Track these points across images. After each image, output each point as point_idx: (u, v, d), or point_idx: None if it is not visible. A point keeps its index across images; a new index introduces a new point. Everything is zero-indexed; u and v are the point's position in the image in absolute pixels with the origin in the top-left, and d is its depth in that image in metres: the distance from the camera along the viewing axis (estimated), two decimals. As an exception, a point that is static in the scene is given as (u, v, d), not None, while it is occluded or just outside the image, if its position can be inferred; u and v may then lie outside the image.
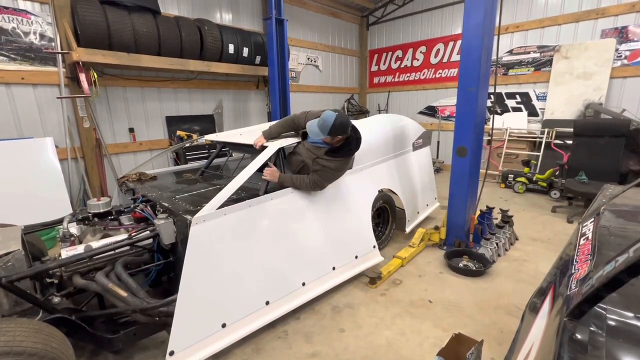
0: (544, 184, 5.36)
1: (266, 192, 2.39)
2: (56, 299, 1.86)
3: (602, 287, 0.81)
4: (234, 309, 2.07)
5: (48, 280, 1.91)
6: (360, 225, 2.95)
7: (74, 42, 3.78)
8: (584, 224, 1.53)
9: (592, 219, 1.53)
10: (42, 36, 3.95)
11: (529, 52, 6.17)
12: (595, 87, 5.39)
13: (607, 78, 5.28)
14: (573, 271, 1.14)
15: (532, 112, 6.30)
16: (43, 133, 4.04)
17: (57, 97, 3.99)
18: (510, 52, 6.37)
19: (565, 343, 0.80)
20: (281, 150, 2.70)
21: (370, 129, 3.36)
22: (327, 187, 2.67)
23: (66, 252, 2.01)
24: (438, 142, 7.58)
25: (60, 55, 3.97)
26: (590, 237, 1.34)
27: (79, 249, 2.05)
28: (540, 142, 5.83)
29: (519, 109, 6.46)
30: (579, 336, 0.82)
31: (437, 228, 3.55)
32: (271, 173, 2.44)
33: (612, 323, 0.88)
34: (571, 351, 0.78)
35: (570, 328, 0.85)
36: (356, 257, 2.85)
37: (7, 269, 1.70)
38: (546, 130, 5.78)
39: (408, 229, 3.62)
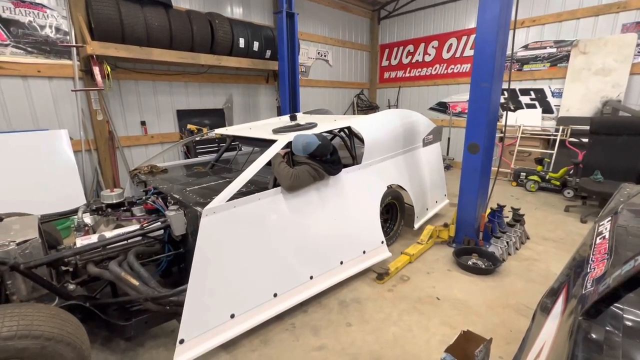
0: (557, 183, 5.24)
1: (275, 186, 2.39)
2: (71, 286, 1.91)
3: (620, 287, 0.79)
4: (242, 300, 2.10)
5: (63, 268, 1.97)
6: (368, 220, 2.94)
7: (88, 36, 3.84)
8: (601, 223, 1.50)
9: (609, 218, 1.49)
10: (57, 30, 4.02)
11: (545, 47, 5.99)
12: (613, 83, 5.22)
13: (626, 74, 5.10)
14: (589, 270, 1.12)
15: (547, 109, 6.15)
16: (58, 125, 4.13)
17: (72, 90, 4.07)
18: (526, 47, 6.20)
19: (580, 342, 0.79)
20: (290, 143, 2.70)
21: (380, 124, 3.33)
22: (337, 180, 2.67)
23: (81, 241, 2.06)
24: (449, 139, 7.48)
25: (74, 48, 4.04)
26: (607, 236, 1.31)
27: (93, 238, 2.10)
28: (554, 140, 5.69)
29: (533, 106, 6.30)
30: (594, 336, 0.81)
31: (446, 225, 3.51)
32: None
33: (629, 323, 0.86)
34: (586, 350, 0.76)
35: (585, 327, 0.83)
36: (364, 252, 2.84)
37: (25, 256, 1.75)
38: (561, 127, 5.63)
39: (417, 226, 3.59)
